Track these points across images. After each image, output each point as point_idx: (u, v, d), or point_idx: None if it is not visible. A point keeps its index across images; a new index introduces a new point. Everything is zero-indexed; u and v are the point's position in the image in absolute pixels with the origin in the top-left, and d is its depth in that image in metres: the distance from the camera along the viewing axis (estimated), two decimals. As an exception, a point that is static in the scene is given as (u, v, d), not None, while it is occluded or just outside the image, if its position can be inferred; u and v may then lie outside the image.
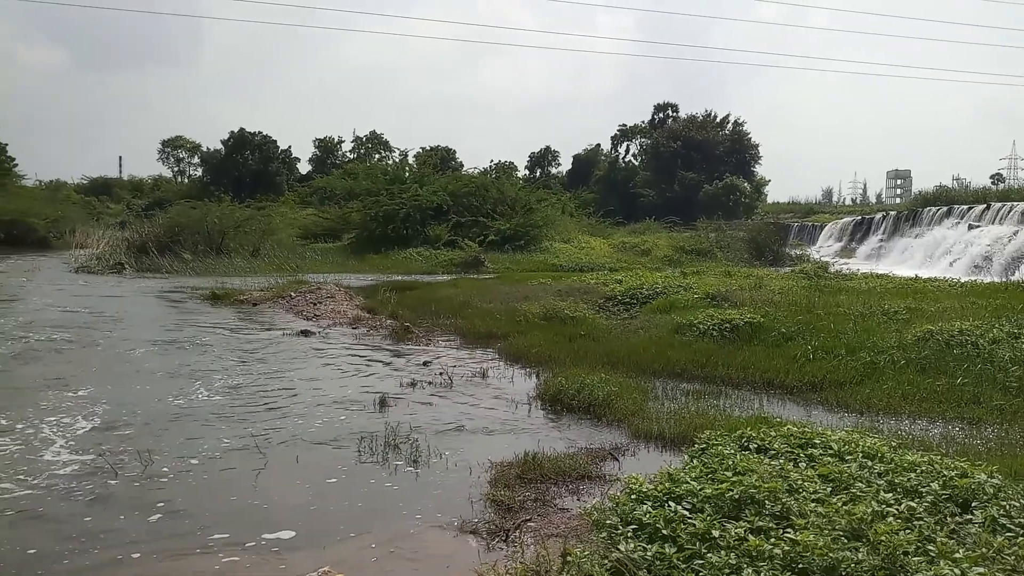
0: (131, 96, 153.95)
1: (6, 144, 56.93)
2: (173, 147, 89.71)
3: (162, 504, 6.00)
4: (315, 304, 18.73)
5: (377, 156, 79.80)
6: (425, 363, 11.99)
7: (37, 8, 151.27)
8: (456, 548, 5.22)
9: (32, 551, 5.14)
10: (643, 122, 76.81)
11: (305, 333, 14.88)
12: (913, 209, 42.39)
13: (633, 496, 4.90)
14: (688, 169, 60.97)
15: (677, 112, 74.37)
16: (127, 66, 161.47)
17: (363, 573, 4.86)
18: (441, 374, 10.90)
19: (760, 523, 4.43)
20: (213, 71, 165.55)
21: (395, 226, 37.02)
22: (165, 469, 6.77)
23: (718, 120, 66.41)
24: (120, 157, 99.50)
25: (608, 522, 4.54)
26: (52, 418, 8.44)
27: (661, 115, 75.57)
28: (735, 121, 66.10)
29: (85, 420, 8.38)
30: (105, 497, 6.16)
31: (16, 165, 59.16)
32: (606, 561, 4.04)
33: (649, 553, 4.10)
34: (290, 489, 6.46)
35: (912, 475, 5.21)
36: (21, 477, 6.58)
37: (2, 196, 49.96)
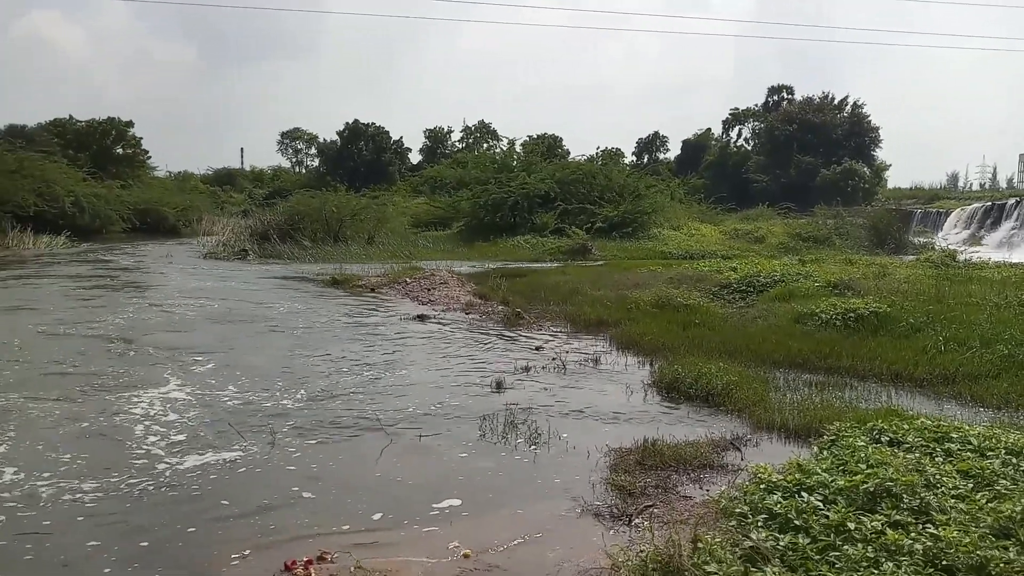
0: (252, 90, 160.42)
1: (141, 138, 60.48)
2: (292, 139, 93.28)
3: (304, 482, 6.21)
4: (429, 290, 19.16)
5: (485, 145, 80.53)
6: (537, 348, 12.10)
7: (169, 6, 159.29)
8: (580, 529, 5.29)
9: (191, 529, 5.34)
10: (756, 106, 74.64)
11: (421, 317, 15.25)
12: (1052, 194, 39.57)
13: (762, 485, 4.84)
14: (804, 153, 58.83)
15: (792, 94, 71.92)
16: (249, 61, 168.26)
17: (495, 544, 5.01)
18: (554, 359, 10.97)
19: (898, 517, 4.30)
20: (329, 64, 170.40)
21: (503, 214, 37.31)
22: (292, 449, 7.04)
23: (836, 102, 63.76)
24: (242, 148, 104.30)
25: (737, 510, 4.51)
26: (186, 390, 9.01)
27: (775, 98, 73.22)
28: (854, 103, 63.34)
29: (214, 395, 8.88)
30: (245, 475, 6.44)
31: (150, 157, 62.84)
32: (737, 549, 4.02)
33: (782, 543, 4.05)
34: (426, 464, 6.71)
35: (1064, 473, 4.93)
36: (151, 451, 6.99)
37: (138, 187, 53.27)
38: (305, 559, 4.80)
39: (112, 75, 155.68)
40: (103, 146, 57.24)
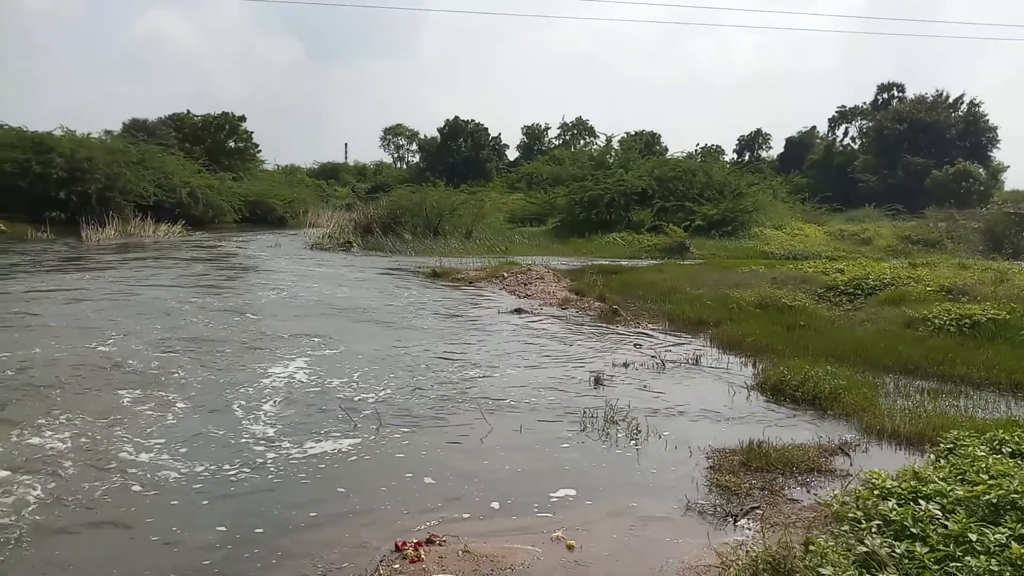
0: (356, 86, 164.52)
1: (252, 132, 62.82)
2: (394, 134, 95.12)
3: (417, 469, 6.37)
4: (526, 285, 19.31)
5: (582, 142, 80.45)
6: (636, 345, 12.06)
7: (278, 6, 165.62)
8: (684, 527, 5.30)
9: (313, 514, 5.48)
10: (864, 103, 72.07)
11: (519, 311, 15.41)
12: None
13: (876, 491, 4.73)
14: (914, 153, 56.48)
15: (903, 92, 69.14)
16: (353, 58, 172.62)
17: (598, 537, 5.08)
18: (653, 357, 10.91)
19: (1023, 531, 4.13)
20: (429, 61, 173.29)
21: (599, 210, 37.15)
22: (398, 436, 7.23)
23: (950, 100, 60.93)
24: (346, 144, 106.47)
25: (850, 516, 4.42)
26: (301, 375, 9.40)
27: (885, 95, 70.50)
28: (970, 101, 60.39)
29: (327, 381, 9.23)
30: (357, 461, 6.61)
31: (260, 151, 65.21)
32: (850, 554, 3.95)
33: (898, 550, 3.96)
34: (530, 455, 6.83)
35: None
36: (268, 435, 7.30)
37: (248, 180, 55.40)
38: (415, 541, 4.97)
39: (224, 71, 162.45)
40: (217, 140, 59.77)
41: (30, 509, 5.44)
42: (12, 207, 34.37)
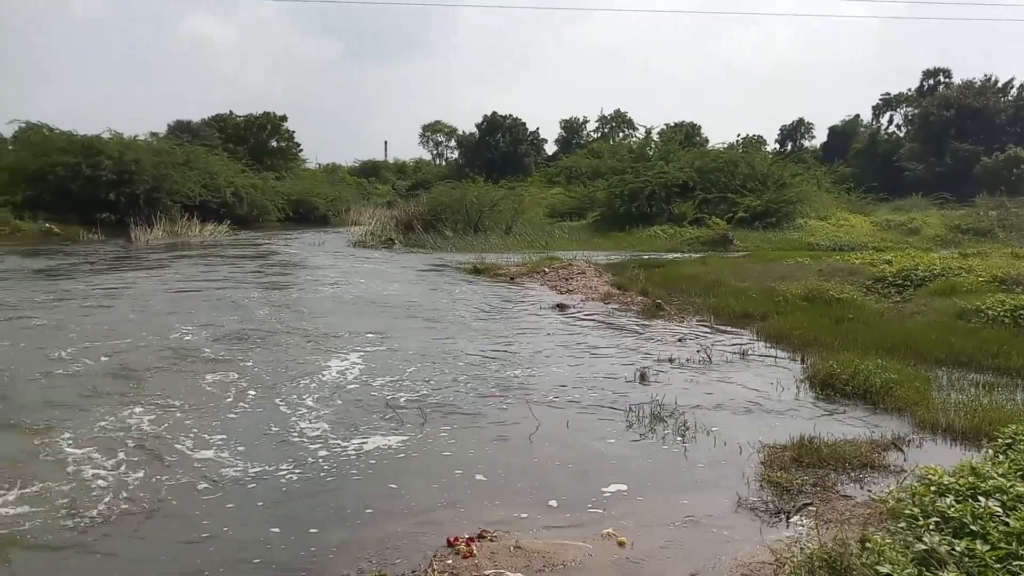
0: (394, 84, 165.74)
1: (294, 132, 63.66)
2: (432, 131, 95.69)
3: (467, 466, 6.39)
4: (567, 279, 19.30)
5: (621, 135, 80.00)
6: (680, 340, 12.00)
7: (315, 6, 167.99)
8: (735, 523, 5.27)
9: (369, 511, 5.50)
10: (910, 90, 70.71)
11: (561, 307, 15.42)
12: None
13: (932, 488, 4.66)
14: (962, 140, 55.21)
15: (950, 78, 67.65)
16: (391, 56, 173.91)
17: (649, 533, 5.08)
18: (698, 351, 10.84)
19: (1089, 529, 4.04)
20: (467, 58, 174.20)
21: (639, 203, 36.94)
22: (444, 435, 7.23)
23: (1000, 85, 59.47)
24: (386, 142, 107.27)
25: (907, 512, 4.37)
26: (348, 373, 9.53)
27: (931, 82, 69.11)
28: (1020, 85, 58.95)
29: (371, 379, 9.33)
30: (406, 458, 6.65)
31: (302, 150, 66.10)
32: (908, 552, 3.91)
33: (958, 548, 3.91)
34: (579, 451, 6.83)
35: None
36: (319, 433, 7.40)
37: (291, 179, 56.23)
38: (467, 536, 5.02)
39: (264, 71, 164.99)
40: (260, 140, 60.82)
41: (103, 501, 5.67)
42: (64, 209, 35.39)
